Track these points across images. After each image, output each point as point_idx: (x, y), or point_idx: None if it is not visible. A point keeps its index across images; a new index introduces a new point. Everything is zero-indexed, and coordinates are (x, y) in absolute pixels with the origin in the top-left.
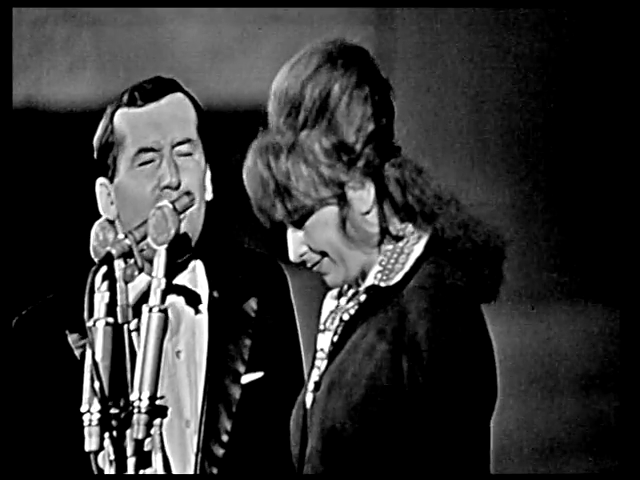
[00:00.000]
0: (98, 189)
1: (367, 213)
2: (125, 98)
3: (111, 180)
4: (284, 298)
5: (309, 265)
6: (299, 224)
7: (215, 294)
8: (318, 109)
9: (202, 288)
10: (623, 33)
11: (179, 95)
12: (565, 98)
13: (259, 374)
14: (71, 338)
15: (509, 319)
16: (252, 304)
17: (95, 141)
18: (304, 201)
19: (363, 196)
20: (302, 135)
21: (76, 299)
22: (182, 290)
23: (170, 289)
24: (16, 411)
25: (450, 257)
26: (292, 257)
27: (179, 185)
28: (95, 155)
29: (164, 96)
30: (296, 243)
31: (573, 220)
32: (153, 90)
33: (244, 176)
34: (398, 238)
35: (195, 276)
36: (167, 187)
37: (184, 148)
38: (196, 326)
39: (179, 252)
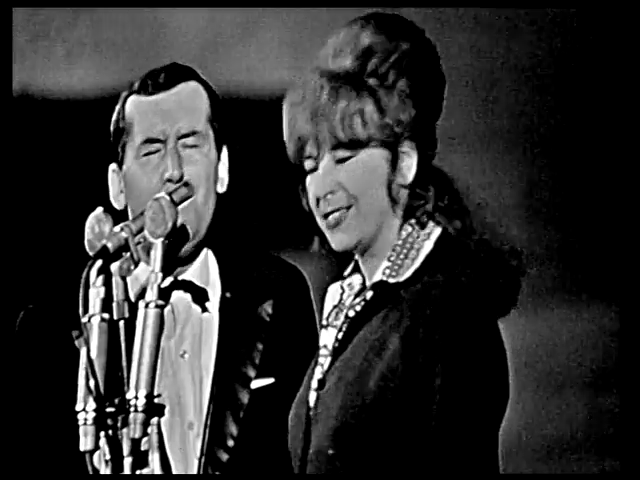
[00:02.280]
0: (110, 175)
1: (407, 187)
2: (137, 84)
3: (120, 167)
4: (304, 304)
5: (329, 209)
6: (342, 158)
7: (227, 295)
8: (392, 70)
9: (214, 286)
10: (626, 30)
11: (192, 84)
12: (568, 95)
13: (270, 380)
14: (74, 334)
15: (509, 318)
16: (267, 308)
17: (111, 125)
18: (360, 133)
19: (410, 165)
20: (371, 81)
21: (74, 295)
22: (188, 286)
23: (176, 285)
24: (18, 409)
25: (462, 257)
26: (319, 191)
27: (181, 178)
28: (111, 139)
29: (176, 85)
30: (328, 177)
31: (573, 219)
32: (166, 78)
33: (289, 95)
34: (421, 224)
35: (206, 270)
36: (169, 180)
37: (190, 140)
38: (203, 326)
39: (177, 244)
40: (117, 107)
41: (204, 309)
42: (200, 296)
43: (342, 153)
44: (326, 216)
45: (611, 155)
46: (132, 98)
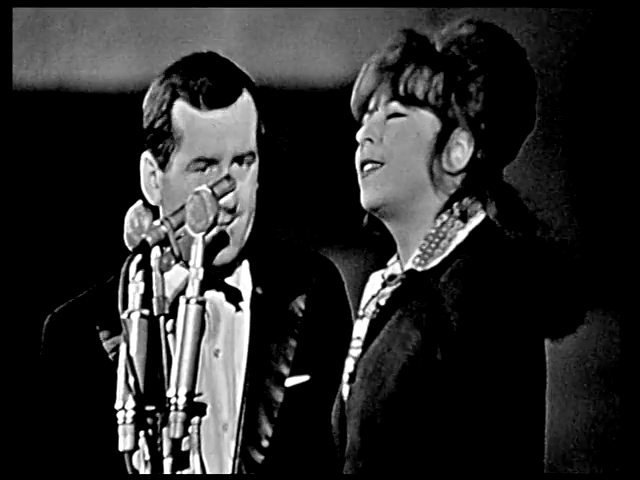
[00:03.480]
0: (142, 164)
1: (454, 175)
2: (187, 94)
3: (161, 168)
4: (338, 299)
5: (364, 157)
6: (393, 114)
7: (258, 290)
8: (477, 62)
9: (245, 285)
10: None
11: (246, 98)
12: (571, 95)
13: (305, 377)
14: (102, 335)
15: None
16: (299, 303)
17: (146, 110)
18: (419, 92)
19: (460, 157)
20: (451, 63)
21: (109, 293)
22: (221, 285)
23: (208, 284)
24: (48, 411)
25: (500, 250)
26: (361, 135)
27: (235, 207)
28: (145, 126)
29: (233, 102)
30: (374, 127)
31: (573, 220)
32: (220, 94)
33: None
34: (462, 214)
35: (239, 275)
36: (223, 207)
37: (243, 160)
38: (236, 324)
39: (216, 247)
40: (161, 107)
41: (237, 308)
42: (233, 295)
43: (395, 106)
44: (362, 166)
45: (612, 157)
46: (181, 106)
